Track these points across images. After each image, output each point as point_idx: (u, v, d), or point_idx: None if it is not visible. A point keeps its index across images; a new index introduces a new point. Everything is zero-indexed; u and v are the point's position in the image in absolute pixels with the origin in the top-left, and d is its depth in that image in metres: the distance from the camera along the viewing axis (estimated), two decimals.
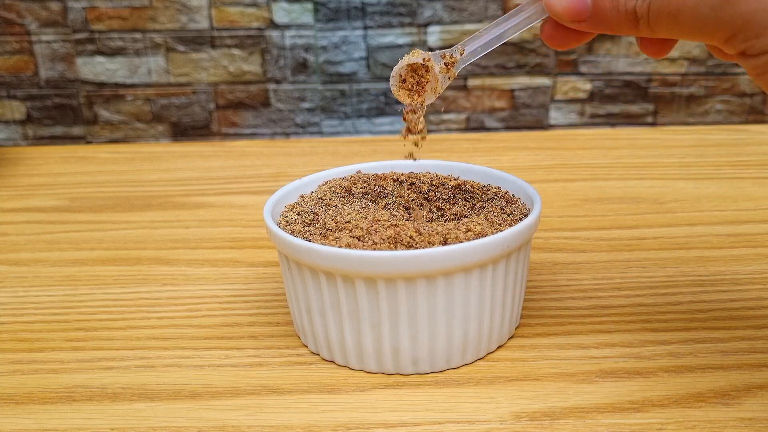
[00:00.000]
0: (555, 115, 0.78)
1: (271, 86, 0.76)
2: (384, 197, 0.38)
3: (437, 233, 0.32)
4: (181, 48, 0.74)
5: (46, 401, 0.32)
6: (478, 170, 0.41)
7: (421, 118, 0.35)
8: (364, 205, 0.36)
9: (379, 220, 0.33)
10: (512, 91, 0.77)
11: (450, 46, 0.74)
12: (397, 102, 0.76)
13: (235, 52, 0.75)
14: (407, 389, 0.32)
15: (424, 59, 0.33)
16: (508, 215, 0.35)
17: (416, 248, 0.31)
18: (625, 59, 0.75)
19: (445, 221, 0.36)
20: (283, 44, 0.74)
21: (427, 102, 0.34)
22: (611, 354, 0.34)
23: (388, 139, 0.73)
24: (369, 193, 0.38)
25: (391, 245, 0.31)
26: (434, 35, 0.74)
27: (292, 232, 0.34)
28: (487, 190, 0.38)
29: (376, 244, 0.31)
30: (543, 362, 0.34)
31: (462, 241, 0.31)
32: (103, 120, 0.77)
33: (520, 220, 0.34)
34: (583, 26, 0.28)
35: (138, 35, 0.74)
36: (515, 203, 0.37)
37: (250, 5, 0.73)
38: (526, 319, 0.37)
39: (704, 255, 0.44)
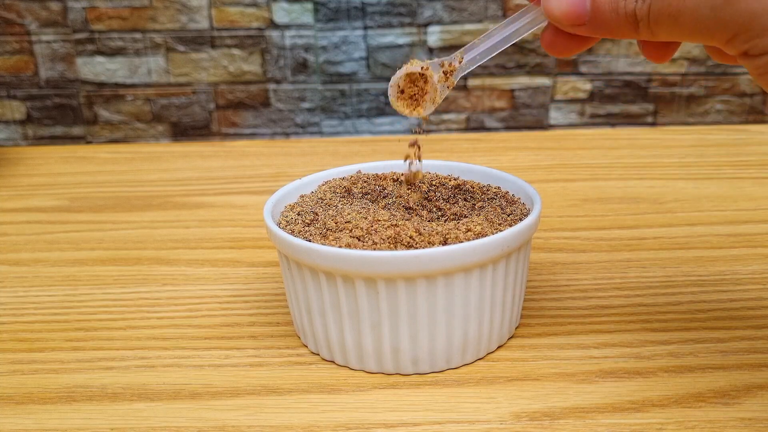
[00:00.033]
0: (555, 115, 0.78)
1: (271, 86, 0.76)
2: (384, 197, 0.38)
3: (437, 233, 0.32)
4: (181, 48, 0.74)
5: (46, 401, 0.32)
6: (478, 170, 0.41)
7: (420, 171, 0.36)
8: (364, 205, 0.36)
9: (379, 220, 0.33)
10: (512, 91, 0.77)
11: (450, 47, 0.74)
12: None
13: (235, 52, 0.75)
14: (407, 389, 0.32)
15: (422, 68, 0.32)
16: (508, 215, 0.35)
17: (416, 248, 0.31)
18: (625, 59, 0.75)
19: (445, 221, 0.36)
20: (283, 44, 0.74)
21: (426, 113, 0.34)
22: (611, 354, 0.34)
23: (388, 139, 0.73)
24: (369, 193, 0.38)
25: (391, 245, 0.31)
26: (434, 35, 0.74)
27: (292, 232, 0.34)
28: (487, 190, 0.38)
29: (376, 244, 0.31)
30: (543, 362, 0.34)
31: (462, 241, 0.31)
32: (103, 120, 0.77)
33: (520, 220, 0.34)
34: (583, 30, 0.28)
35: (138, 35, 0.74)
36: (515, 203, 0.37)
37: (250, 5, 0.73)
38: (526, 319, 0.37)
39: (704, 255, 0.44)
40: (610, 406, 0.30)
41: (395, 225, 0.32)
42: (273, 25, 0.74)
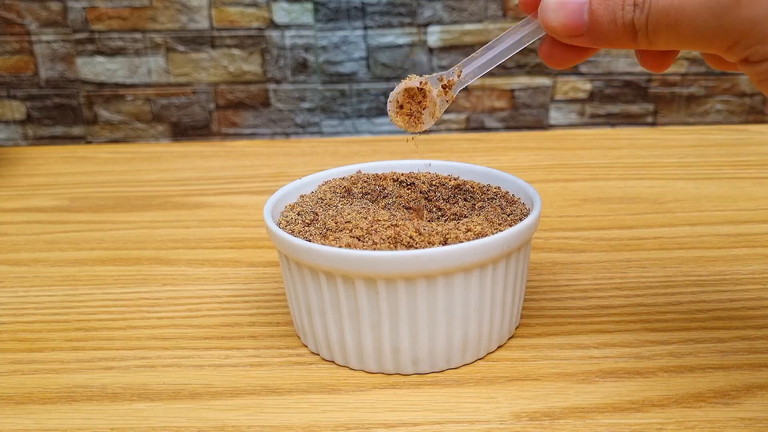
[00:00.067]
0: (555, 115, 0.78)
1: (271, 86, 0.76)
2: (384, 197, 0.38)
3: (437, 233, 0.32)
4: (181, 48, 0.74)
5: (46, 401, 0.32)
6: (478, 170, 0.41)
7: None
8: (364, 205, 0.36)
9: (379, 220, 0.33)
10: (512, 91, 0.77)
11: (450, 47, 0.74)
12: None
13: (235, 52, 0.75)
14: (407, 389, 0.32)
15: (420, 83, 0.32)
16: (508, 215, 0.35)
17: (416, 248, 0.31)
18: (625, 59, 0.75)
19: (445, 221, 0.36)
20: (283, 44, 0.74)
21: (426, 127, 0.34)
22: (611, 354, 0.34)
23: (388, 139, 0.73)
24: (369, 193, 0.38)
25: (391, 245, 0.31)
26: (434, 35, 0.74)
27: (292, 232, 0.34)
28: (487, 190, 0.38)
29: (376, 244, 0.31)
30: (543, 362, 0.34)
31: (462, 241, 0.31)
32: (103, 120, 0.77)
33: (520, 220, 0.34)
34: (581, 41, 0.27)
35: (138, 35, 0.74)
36: (515, 203, 0.37)
37: (250, 5, 0.73)
38: (526, 319, 0.37)
39: (704, 255, 0.44)
40: (610, 406, 0.30)
41: (395, 225, 0.32)
42: (273, 25, 0.74)
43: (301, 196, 0.38)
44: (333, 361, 0.34)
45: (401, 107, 0.33)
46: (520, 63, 0.75)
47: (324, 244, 0.32)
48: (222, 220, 0.53)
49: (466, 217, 0.36)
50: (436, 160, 0.42)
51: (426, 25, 0.74)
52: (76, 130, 0.78)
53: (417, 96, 0.33)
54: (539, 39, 0.30)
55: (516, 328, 0.36)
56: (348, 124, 0.78)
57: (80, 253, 0.48)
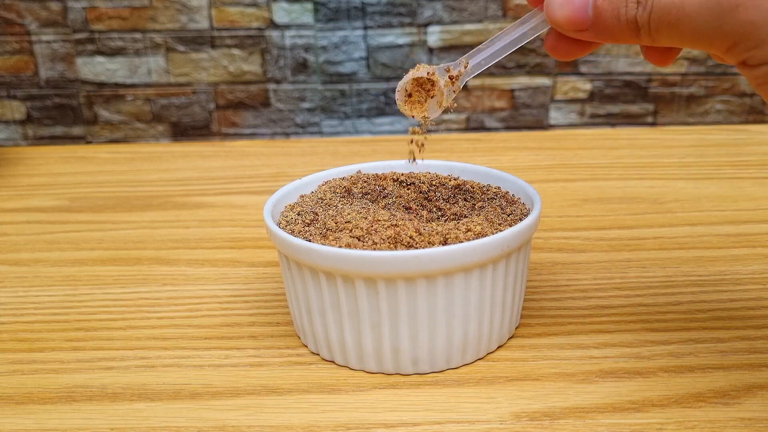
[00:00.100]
0: (555, 115, 0.78)
1: (271, 86, 0.76)
2: (384, 197, 0.38)
3: (437, 233, 0.32)
4: (181, 48, 0.74)
5: (46, 401, 0.32)
6: (478, 170, 0.41)
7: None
8: (364, 205, 0.36)
9: (379, 220, 0.33)
10: (512, 91, 0.77)
11: (450, 47, 0.74)
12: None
13: (235, 52, 0.75)
14: (407, 389, 0.32)
15: (428, 73, 0.33)
16: (508, 215, 0.35)
17: (416, 248, 0.31)
18: (625, 59, 0.75)
19: (445, 221, 0.36)
20: (283, 44, 0.74)
21: (433, 116, 0.34)
22: (611, 354, 0.34)
23: (388, 139, 0.73)
24: (369, 193, 0.38)
25: (391, 245, 0.31)
26: (434, 35, 0.74)
27: (292, 232, 0.34)
28: (487, 190, 0.38)
29: (376, 244, 0.31)
30: (543, 362, 0.34)
31: (462, 241, 0.31)
32: (103, 120, 0.77)
33: (520, 220, 0.34)
34: (585, 36, 0.28)
35: (138, 35, 0.74)
36: (515, 203, 0.37)
37: (250, 5, 0.73)
38: (526, 319, 0.37)
39: (704, 255, 0.44)
40: (610, 406, 0.30)
41: (395, 225, 0.32)
42: (273, 25, 0.74)
43: (301, 196, 0.38)
44: (333, 361, 0.34)
45: (409, 96, 0.34)
46: (520, 63, 0.75)
47: (324, 244, 0.32)
48: (222, 220, 0.53)
49: (466, 217, 0.36)
50: (436, 161, 0.42)
51: (426, 25, 0.74)
52: (76, 130, 0.78)
53: (426, 84, 0.33)
54: (544, 32, 0.31)
55: (516, 328, 0.36)
56: (348, 124, 0.78)
57: (80, 253, 0.48)
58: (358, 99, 0.76)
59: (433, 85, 0.33)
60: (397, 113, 0.77)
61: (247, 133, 0.78)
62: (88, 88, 0.76)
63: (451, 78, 0.33)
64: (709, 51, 0.26)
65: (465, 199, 0.38)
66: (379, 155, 0.66)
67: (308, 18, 0.73)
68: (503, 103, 0.77)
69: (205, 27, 0.74)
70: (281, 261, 0.35)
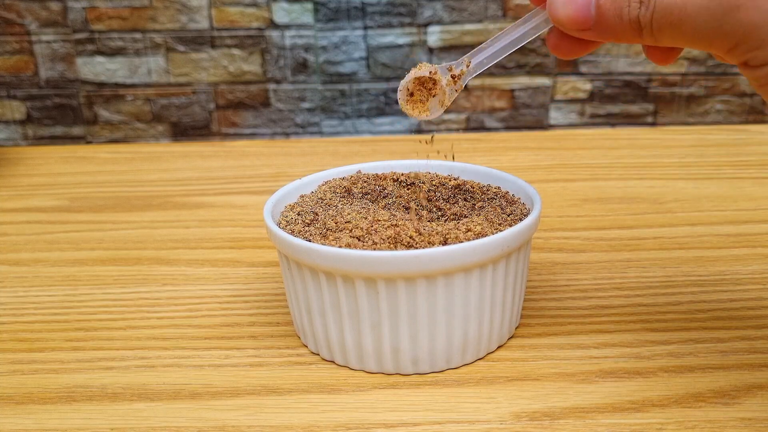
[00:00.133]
0: (555, 115, 0.78)
1: (271, 86, 0.76)
2: (384, 197, 0.38)
3: (437, 233, 0.32)
4: (181, 48, 0.74)
5: (46, 401, 0.32)
6: (478, 170, 0.41)
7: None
8: (364, 205, 0.36)
9: (379, 220, 0.33)
10: (512, 91, 0.77)
11: (450, 47, 0.74)
12: (397, 102, 0.76)
13: (235, 52, 0.75)
14: (407, 389, 0.32)
15: (430, 72, 0.33)
16: (508, 215, 0.35)
17: (416, 248, 0.31)
18: (625, 59, 0.75)
19: (445, 221, 0.36)
20: (283, 44, 0.74)
21: (435, 115, 0.34)
22: (611, 354, 0.34)
23: (388, 139, 0.73)
24: (369, 193, 0.38)
25: (391, 245, 0.31)
26: (434, 35, 0.74)
27: (292, 232, 0.34)
28: (487, 190, 0.38)
29: (376, 244, 0.31)
30: (543, 362, 0.34)
31: (462, 241, 0.31)
32: (103, 120, 0.77)
33: (520, 220, 0.34)
34: (588, 35, 0.28)
35: (138, 35, 0.74)
36: (515, 203, 0.37)
37: (250, 5, 0.73)
38: (526, 319, 0.37)
39: (704, 255, 0.44)
40: (610, 406, 0.30)
41: (395, 225, 0.32)
42: (273, 25, 0.74)
43: (301, 196, 0.38)
44: (333, 361, 0.34)
45: (411, 95, 0.34)
46: (520, 63, 0.75)
47: (324, 244, 0.32)
48: (222, 220, 0.53)
49: (466, 217, 0.36)
50: (436, 161, 0.42)
51: (426, 25, 0.74)
52: (76, 130, 0.78)
53: (427, 83, 0.33)
54: (546, 30, 0.31)
55: (516, 328, 0.36)
56: (348, 124, 0.78)
57: (80, 253, 0.48)
58: (358, 99, 0.77)
59: (434, 84, 0.33)
60: (398, 113, 0.77)
61: (247, 133, 0.78)
62: (88, 88, 0.76)
63: (453, 77, 0.33)
64: (711, 51, 0.26)
65: (465, 199, 0.38)
66: (379, 155, 0.66)
67: (308, 18, 0.73)
68: (503, 103, 0.77)
69: (205, 27, 0.74)
70: (281, 261, 0.35)
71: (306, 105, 0.77)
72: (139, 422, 0.30)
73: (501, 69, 0.76)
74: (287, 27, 0.74)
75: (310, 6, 0.73)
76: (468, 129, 0.78)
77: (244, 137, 0.78)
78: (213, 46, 0.74)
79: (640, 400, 0.30)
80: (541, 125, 0.78)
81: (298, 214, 0.36)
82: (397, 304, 0.31)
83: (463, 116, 0.78)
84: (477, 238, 0.32)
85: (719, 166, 0.61)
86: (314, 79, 0.76)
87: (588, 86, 0.76)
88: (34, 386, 0.33)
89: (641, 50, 0.32)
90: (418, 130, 0.36)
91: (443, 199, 0.38)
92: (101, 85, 0.76)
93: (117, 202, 0.57)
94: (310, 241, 0.32)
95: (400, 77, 0.76)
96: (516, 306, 0.35)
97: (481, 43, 0.33)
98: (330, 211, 0.35)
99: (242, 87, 0.76)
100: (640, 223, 0.49)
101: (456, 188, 0.39)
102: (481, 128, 0.78)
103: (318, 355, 0.35)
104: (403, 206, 0.37)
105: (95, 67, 0.75)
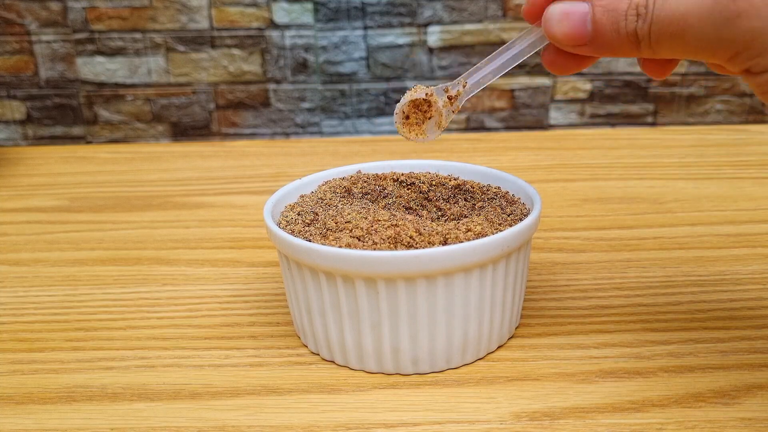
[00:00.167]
0: (555, 115, 0.78)
1: (271, 86, 0.76)
2: (384, 197, 0.38)
3: (437, 233, 0.32)
4: (181, 48, 0.74)
5: (46, 401, 0.32)
6: (478, 170, 0.41)
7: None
8: (364, 205, 0.36)
9: (379, 220, 0.33)
10: (512, 91, 0.77)
11: (450, 47, 0.74)
12: (397, 102, 0.76)
13: (235, 52, 0.75)
14: (407, 389, 0.32)
15: (426, 95, 0.33)
16: (508, 215, 0.35)
17: (416, 248, 0.31)
18: (624, 59, 0.75)
19: (445, 221, 0.36)
20: (283, 44, 0.74)
21: (432, 137, 0.34)
22: (611, 354, 0.34)
23: (388, 139, 0.73)
24: (369, 193, 0.38)
25: (391, 245, 0.31)
26: (434, 35, 0.74)
27: (292, 232, 0.34)
28: (487, 190, 0.38)
29: (376, 244, 0.31)
30: (543, 362, 0.34)
31: (462, 241, 0.31)
32: (103, 120, 0.77)
33: (520, 220, 0.34)
34: (584, 50, 0.28)
35: (138, 35, 0.74)
36: (515, 203, 0.37)
37: (250, 5, 0.73)
38: (526, 319, 0.37)
39: (704, 255, 0.44)
40: (610, 406, 0.30)
41: (395, 225, 0.32)
42: (273, 25, 0.74)
43: (301, 196, 0.38)
44: (333, 361, 0.34)
45: (407, 117, 0.34)
46: (520, 63, 0.75)
47: (324, 244, 0.32)
48: (222, 220, 0.53)
49: (466, 217, 0.36)
50: (436, 160, 0.42)
51: (426, 25, 0.74)
52: (76, 130, 0.78)
53: (422, 105, 0.33)
54: (543, 47, 0.31)
55: (516, 328, 0.36)
56: (348, 124, 0.78)
57: (80, 253, 0.48)
58: (358, 99, 0.77)
59: (430, 106, 0.33)
60: None
61: (247, 133, 0.78)
62: (88, 88, 0.76)
63: (449, 98, 0.33)
64: (711, 61, 0.26)
65: (465, 199, 0.38)
66: (379, 155, 0.66)
67: (308, 18, 0.73)
68: (503, 103, 0.77)
69: (205, 27, 0.74)
70: (281, 261, 0.35)
71: (306, 105, 0.77)
72: (139, 422, 0.30)
73: None
74: (287, 27, 0.74)
75: (310, 6, 0.73)
76: (468, 129, 0.78)
77: (244, 137, 0.78)
78: (213, 46, 0.74)
79: (640, 400, 0.30)
80: (541, 125, 0.78)
81: (298, 214, 0.36)
82: (397, 304, 0.31)
83: (463, 116, 0.78)
84: (477, 238, 0.32)
85: (719, 166, 0.61)
86: (314, 79, 0.76)
87: (588, 86, 0.76)
88: (34, 386, 0.33)
89: (638, 62, 0.32)
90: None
91: (443, 199, 0.38)
92: (101, 85, 0.76)
93: (117, 202, 0.57)
94: (310, 241, 0.32)
95: (400, 77, 0.76)
96: (516, 306, 0.35)
97: (475, 58, 0.32)
98: (330, 211, 0.35)
99: (242, 87, 0.76)
100: (640, 223, 0.49)
101: (456, 188, 0.39)
102: (481, 128, 0.78)
103: (318, 355, 0.35)
104: (404, 206, 0.37)
105: (95, 67, 0.75)
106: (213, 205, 0.56)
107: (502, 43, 0.75)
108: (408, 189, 0.39)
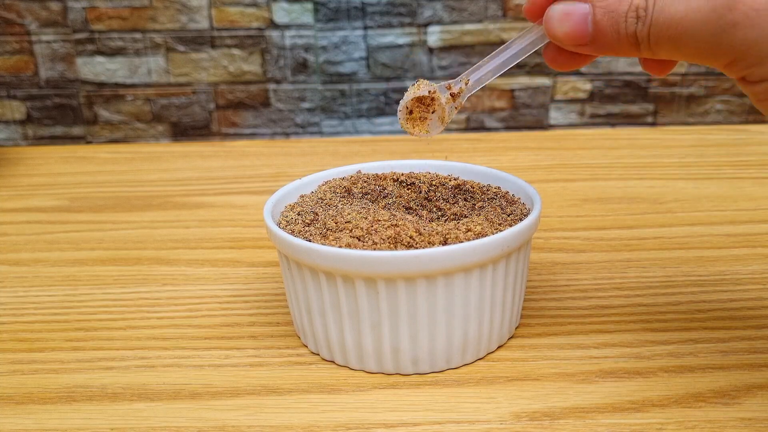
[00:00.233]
0: (555, 115, 0.78)
1: (271, 86, 0.76)
2: (384, 197, 0.38)
3: (437, 233, 0.32)
4: (181, 48, 0.74)
5: (46, 401, 0.32)
6: (478, 170, 0.41)
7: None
8: (364, 205, 0.36)
9: (379, 220, 0.33)
10: (512, 91, 0.77)
11: (450, 47, 0.74)
12: (397, 102, 0.76)
13: (235, 52, 0.75)
14: (407, 389, 0.32)
15: (429, 92, 0.33)
16: (508, 215, 0.35)
17: (416, 248, 0.31)
18: (625, 59, 0.75)
19: (445, 221, 0.36)
20: (283, 44, 0.74)
21: (435, 132, 0.34)
22: (611, 354, 0.34)
23: (388, 139, 0.73)
24: (369, 193, 0.38)
25: (391, 245, 0.31)
26: (434, 35, 0.74)
27: (292, 232, 0.34)
28: (487, 190, 0.38)
29: (376, 244, 0.31)
30: (543, 362, 0.34)
31: (462, 241, 0.31)
32: (103, 120, 0.77)
33: (520, 220, 0.34)
34: (585, 50, 0.28)
35: (138, 35, 0.74)
36: (515, 203, 0.37)
37: (250, 5, 0.73)
38: (526, 319, 0.37)
39: (704, 255, 0.44)
40: (610, 406, 0.30)
41: (395, 225, 0.32)
42: (273, 25, 0.74)
43: (301, 196, 0.38)
44: (333, 361, 0.34)
45: (410, 113, 0.34)
46: (520, 63, 0.75)
47: (324, 244, 0.32)
48: (222, 220, 0.53)
49: (466, 217, 0.36)
50: (436, 161, 0.42)
51: (426, 25, 0.74)
52: (76, 130, 0.78)
53: (426, 100, 0.33)
54: (544, 45, 0.31)
55: (516, 328, 0.36)
56: (348, 124, 0.78)
57: (80, 253, 0.48)
58: (358, 99, 0.77)
59: (433, 101, 0.33)
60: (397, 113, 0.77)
61: (247, 133, 0.78)
62: (88, 88, 0.76)
63: (452, 95, 0.33)
64: (708, 65, 0.26)
65: (465, 199, 0.38)
66: (379, 155, 0.66)
67: (308, 18, 0.73)
68: (503, 103, 0.77)
69: (205, 27, 0.74)
70: (281, 261, 0.35)
71: (306, 105, 0.77)
72: (139, 422, 0.30)
73: None
74: (287, 27, 0.74)
75: (310, 6, 0.73)
76: (468, 129, 0.78)
77: (244, 137, 0.78)
78: (213, 46, 0.74)
79: (640, 400, 0.30)
80: (541, 125, 0.78)
81: (298, 214, 0.36)
82: (397, 304, 0.31)
83: (463, 116, 0.78)
84: (477, 238, 0.32)
85: (719, 166, 0.61)
86: (314, 79, 0.76)
87: (588, 86, 0.76)
88: (34, 386, 0.33)
89: (639, 60, 0.32)
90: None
91: (443, 199, 0.38)
92: (101, 85, 0.76)
93: (117, 202, 0.57)
94: (310, 241, 0.32)
95: (400, 77, 0.76)
96: (516, 306, 0.35)
97: (480, 46, 0.33)
98: (330, 211, 0.35)
99: (242, 87, 0.76)
100: (640, 223, 0.49)
101: (456, 188, 0.39)
102: (481, 128, 0.78)
103: (318, 355, 0.35)
104: (404, 206, 0.37)
105: (95, 67, 0.75)
106: (213, 205, 0.56)
107: (502, 43, 0.75)
108: (408, 189, 0.39)
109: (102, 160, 0.68)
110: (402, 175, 0.40)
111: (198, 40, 0.74)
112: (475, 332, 0.33)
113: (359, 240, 0.32)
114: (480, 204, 0.37)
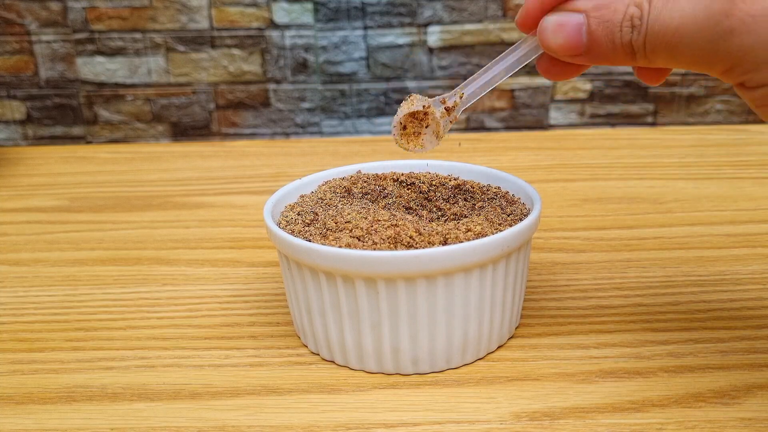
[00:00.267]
0: (555, 115, 0.78)
1: (271, 86, 0.76)
2: (384, 197, 0.38)
3: (437, 233, 0.32)
4: (181, 48, 0.74)
5: (46, 401, 0.32)
6: (478, 170, 0.41)
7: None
8: (364, 205, 0.36)
9: (379, 220, 0.33)
10: (512, 91, 0.77)
11: (450, 47, 0.74)
12: (397, 102, 0.76)
13: (235, 52, 0.75)
14: (407, 389, 0.32)
15: (423, 107, 0.33)
16: (508, 215, 0.35)
17: (416, 248, 0.31)
18: None
19: (445, 221, 0.36)
20: (283, 44, 0.74)
21: (430, 147, 0.34)
22: (611, 354, 0.34)
23: (388, 139, 0.73)
24: (369, 193, 0.38)
25: (391, 245, 0.31)
26: (434, 35, 0.74)
27: (292, 232, 0.34)
28: (487, 190, 0.38)
29: (376, 244, 0.31)
30: (543, 362, 0.34)
31: (462, 241, 0.31)
32: (103, 120, 0.77)
33: (520, 220, 0.34)
34: (580, 60, 0.28)
35: (138, 35, 0.74)
36: (515, 203, 0.37)
37: (250, 5, 0.73)
38: (526, 319, 0.37)
39: (704, 255, 0.44)
40: (610, 406, 0.30)
41: (395, 225, 0.32)
42: (273, 25, 0.74)
43: (301, 196, 0.38)
44: (333, 361, 0.34)
45: (404, 128, 0.34)
46: None
47: (324, 244, 0.32)
48: (222, 220, 0.53)
49: (466, 217, 0.36)
50: (436, 161, 0.42)
51: (426, 25, 0.74)
52: (76, 130, 0.78)
53: (419, 115, 0.33)
54: (538, 56, 0.31)
55: (516, 328, 0.36)
56: (348, 124, 0.78)
57: (80, 253, 0.48)
58: (358, 99, 0.77)
59: (426, 115, 0.33)
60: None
61: (247, 133, 0.78)
62: (88, 88, 0.76)
63: (447, 109, 0.33)
64: (705, 72, 0.26)
65: (465, 199, 0.38)
66: (379, 155, 0.66)
67: (308, 18, 0.73)
68: (503, 103, 0.77)
69: (205, 27, 0.74)
70: (281, 261, 0.35)
71: (306, 105, 0.77)
72: (139, 422, 0.30)
73: None
74: (287, 27, 0.74)
75: (310, 6, 0.73)
76: (468, 129, 0.78)
77: (244, 137, 0.78)
78: (213, 46, 0.74)
79: (640, 400, 0.30)
80: (541, 125, 0.78)
81: (298, 214, 0.36)
82: (397, 304, 0.31)
83: (463, 116, 0.78)
84: (477, 238, 0.32)
85: (719, 166, 0.61)
86: (314, 79, 0.76)
87: (588, 86, 0.76)
88: (34, 386, 0.33)
89: (633, 70, 0.32)
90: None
91: (443, 199, 0.38)
92: (101, 85, 0.76)
93: (117, 202, 0.57)
94: (310, 241, 0.32)
95: (400, 77, 0.76)
96: (516, 306, 0.35)
97: (479, 61, 0.33)
98: (330, 211, 0.35)
99: (242, 87, 0.76)
100: (640, 223, 0.49)
101: (456, 188, 0.39)
102: (481, 128, 0.78)
103: (318, 355, 0.35)
104: (404, 206, 0.37)
105: (95, 67, 0.75)
106: (213, 205, 0.56)
107: (502, 43, 0.75)
108: (408, 189, 0.39)
109: (102, 160, 0.68)
110: (402, 175, 0.40)
111: (198, 40, 0.74)
112: (475, 332, 0.33)
113: (359, 240, 0.32)
114: (480, 204, 0.37)
